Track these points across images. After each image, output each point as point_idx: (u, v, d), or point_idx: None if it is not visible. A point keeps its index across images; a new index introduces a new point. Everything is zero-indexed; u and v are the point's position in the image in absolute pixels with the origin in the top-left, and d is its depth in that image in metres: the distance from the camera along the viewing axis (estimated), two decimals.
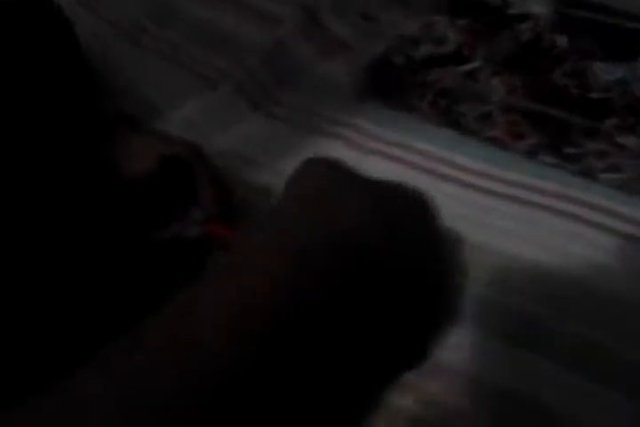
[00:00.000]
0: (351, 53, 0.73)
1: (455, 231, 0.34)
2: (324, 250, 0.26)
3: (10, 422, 0.20)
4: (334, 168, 0.32)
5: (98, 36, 0.73)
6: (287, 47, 0.73)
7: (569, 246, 0.52)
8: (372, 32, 0.76)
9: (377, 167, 0.60)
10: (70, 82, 0.63)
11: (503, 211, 0.54)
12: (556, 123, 0.58)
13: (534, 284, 0.50)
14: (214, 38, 0.77)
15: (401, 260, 0.28)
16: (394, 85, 0.65)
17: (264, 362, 0.23)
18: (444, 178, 0.58)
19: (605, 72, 0.59)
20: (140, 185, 0.50)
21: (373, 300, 0.26)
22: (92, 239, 0.47)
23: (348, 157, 0.59)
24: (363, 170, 0.55)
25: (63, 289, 0.44)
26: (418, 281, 0.28)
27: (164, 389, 0.21)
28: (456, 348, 0.47)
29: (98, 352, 0.23)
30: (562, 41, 0.63)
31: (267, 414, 0.23)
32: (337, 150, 0.62)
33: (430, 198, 0.32)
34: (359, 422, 0.26)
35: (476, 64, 0.64)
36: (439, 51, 0.65)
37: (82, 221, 0.47)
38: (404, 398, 0.46)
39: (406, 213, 0.30)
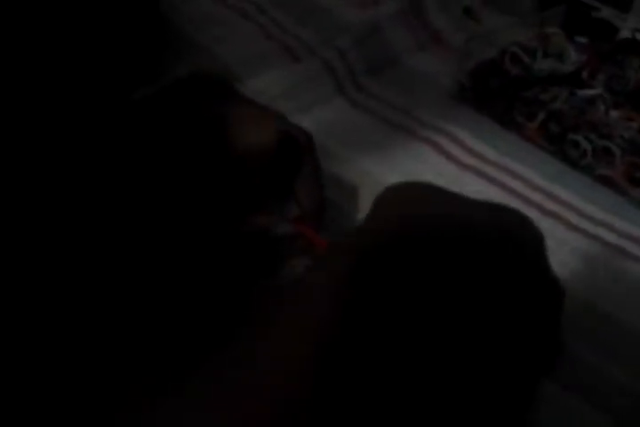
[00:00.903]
0: (453, 52, 0.66)
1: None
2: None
3: None
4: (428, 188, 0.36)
5: None
6: (382, 31, 0.66)
7: None
8: (477, 32, 0.69)
9: (471, 186, 0.54)
10: (141, 31, 0.56)
11: (612, 264, 0.48)
12: None
13: None
14: (305, 9, 0.71)
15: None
16: (500, 97, 0.58)
17: None
18: (545, 212, 0.52)
19: None
20: (255, 164, 0.43)
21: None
22: (189, 222, 0.41)
23: (442, 169, 0.55)
24: (456, 187, 0.49)
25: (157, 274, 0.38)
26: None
27: None
28: None
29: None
30: None
31: None
32: (429, 158, 0.56)
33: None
34: None
35: (596, 91, 0.58)
36: (559, 68, 0.59)
37: (184, 200, 0.41)
38: None
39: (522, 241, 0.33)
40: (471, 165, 0.55)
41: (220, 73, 0.48)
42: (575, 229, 0.50)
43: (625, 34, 0.64)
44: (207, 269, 0.41)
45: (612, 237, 0.49)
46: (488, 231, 0.34)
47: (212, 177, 0.43)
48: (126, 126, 0.43)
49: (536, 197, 0.53)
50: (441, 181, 0.53)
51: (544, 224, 0.50)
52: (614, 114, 0.56)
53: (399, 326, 0.30)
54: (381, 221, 0.35)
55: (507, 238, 0.34)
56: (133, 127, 0.43)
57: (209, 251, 0.42)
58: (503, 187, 0.53)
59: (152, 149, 0.43)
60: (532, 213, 0.50)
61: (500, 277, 0.33)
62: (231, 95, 0.45)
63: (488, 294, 0.32)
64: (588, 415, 0.40)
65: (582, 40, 0.63)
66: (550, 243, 0.50)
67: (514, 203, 0.52)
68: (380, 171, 0.54)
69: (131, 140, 0.42)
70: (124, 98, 0.46)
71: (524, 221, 0.36)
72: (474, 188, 0.53)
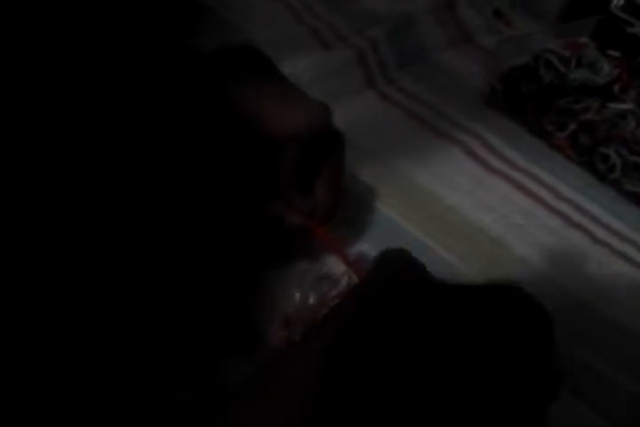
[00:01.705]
0: (484, 52, 0.66)
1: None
2: None
3: None
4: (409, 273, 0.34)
5: None
6: (416, 25, 0.65)
7: None
8: (508, 35, 0.69)
9: (497, 190, 0.53)
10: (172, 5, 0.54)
11: (636, 283, 0.48)
12: None
13: None
14: None
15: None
16: (531, 103, 0.58)
17: None
18: (573, 224, 0.51)
19: None
20: (288, 147, 0.41)
21: None
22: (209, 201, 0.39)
23: (469, 171, 0.55)
24: (483, 190, 0.48)
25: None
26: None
27: None
28: None
29: None
30: None
31: None
32: (456, 159, 0.55)
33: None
34: None
35: (628, 106, 0.57)
36: (593, 79, 0.58)
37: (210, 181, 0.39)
38: None
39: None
40: (499, 170, 0.54)
41: (259, 49, 0.45)
42: (601, 243, 0.50)
43: None
44: (218, 251, 0.39)
45: (638, 256, 0.49)
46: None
47: (240, 157, 0.42)
48: (157, 99, 0.41)
49: (562, 207, 0.52)
50: (467, 183, 0.53)
51: (569, 235, 0.50)
52: None
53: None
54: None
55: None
56: (165, 100, 0.41)
57: (223, 232, 0.40)
58: (529, 194, 0.53)
59: (177, 123, 0.41)
60: (557, 224, 0.50)
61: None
62: (272, 73, 0.43)
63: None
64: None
65: (615, 54, 0.62)
66: (575, 255, 0.50)
67: (539, 211, 0.52)
68: (407, 168, 0.53)
69: (160, 112, 0.41)
70: (155, 72, 0.45)
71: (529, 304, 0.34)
72: (499, 192, 0.53)
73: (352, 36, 0.64)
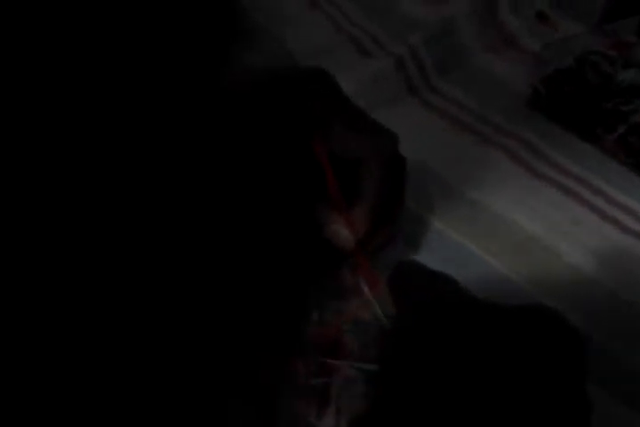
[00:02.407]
0: (526, 56, 0.64)
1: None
2: None
3: None
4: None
5: None
6: (456, 31, 0.64)
7: None
8: (551, 38, 0.67)
9: (547, 196, 0.52)
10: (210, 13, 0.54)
11: None
12: None
13: None
14: (374, 2, 0.68)
15: None
16: (577, 106, 0.56)
17: None
18: (625, 230, 0.49)
19: None
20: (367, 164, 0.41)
21: None
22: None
23: (516, 178, 0.53)
24: (531, 196, 0.47)
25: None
26: None
27: None
28: None
29: None
30: None
31: None
32: (502, 165, 0.54)
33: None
34: None
35: None
36: None
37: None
38: None
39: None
40: (547, 176, 0.53)
41: (320, 68, 0.45)
42: None
43: None
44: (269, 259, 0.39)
45: None
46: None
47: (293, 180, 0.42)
48: (206, 117, 0.41)
49: (614, 212, 0.51)
50: (515, 191, 0.52)
51: (622, 241, 0.48)
52: None
53: None
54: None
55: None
56: (214, 120, 0.41)
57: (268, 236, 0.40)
58: (581, 200, 0.51)
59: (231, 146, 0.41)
60: (611, 232, 0.49)
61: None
62: (336, 97, 0.43)
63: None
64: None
65: None
66: (628, 261, 0.48)
67: (591, 218, 0.50)
68: (451, 176, 0.53)
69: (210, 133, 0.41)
70: (192, 85, 0.44)
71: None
72: (550, 199, 0.51)
73: (391, 42, 0.63)
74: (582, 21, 0.70)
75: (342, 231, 0.41)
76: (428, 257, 0.47)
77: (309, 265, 0.43)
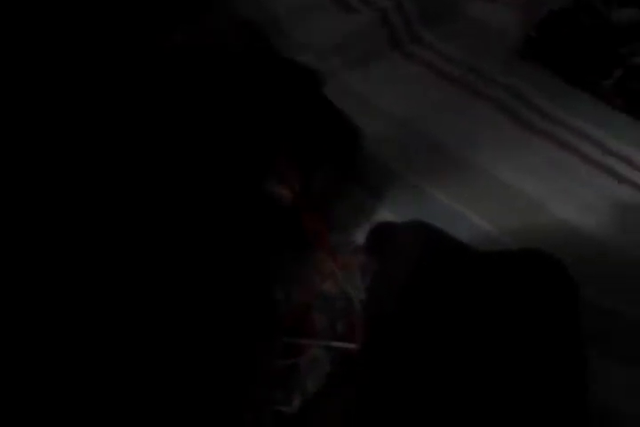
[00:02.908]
0: (520, 4, 0.60)
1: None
2: None
3: None
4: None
5: None
6: None
7: None
8: None
9: (540, 150, 0.49)
10: None
11: None
12: None
13: None
14: None
15: None
16: (571, 51, 0.53)
17: None
18: (622, 180, 0.46)
19: None
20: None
21: None
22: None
23: (506, 132, 0.50)
24: (521, 150, 0.44)
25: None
26: None
27: None
28: None
29: None
30: None
31: None
32: (491, 118, 0.51)
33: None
34: None
35: None
36: None
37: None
38: None
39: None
40: (540, 127, 0.50)
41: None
42: None
43: None
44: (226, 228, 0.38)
45: None
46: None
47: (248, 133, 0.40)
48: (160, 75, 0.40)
49: (610, 161, 0.48)
50: (506, 145, 0.49)
51: (620, 192, 0.45)
52: None
53: None
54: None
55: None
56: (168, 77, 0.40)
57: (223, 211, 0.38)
58: (575, 152, 0.48)
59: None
60: (607, 181, 0.46)
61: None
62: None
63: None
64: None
65: None
66: (628, 211, 0.45)
67: (585, 169, 0.47)
68: (438, 132, 0.50)
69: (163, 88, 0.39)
70: (162, 36, 0.43)
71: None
72: (542, 152, 0.48)
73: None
74: None
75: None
76: (411, 218, 0.45)
77: (269, 244, 0.41)
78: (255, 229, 0.39)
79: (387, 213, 0.45)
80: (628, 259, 0.42)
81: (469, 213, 0.46)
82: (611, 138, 0.49)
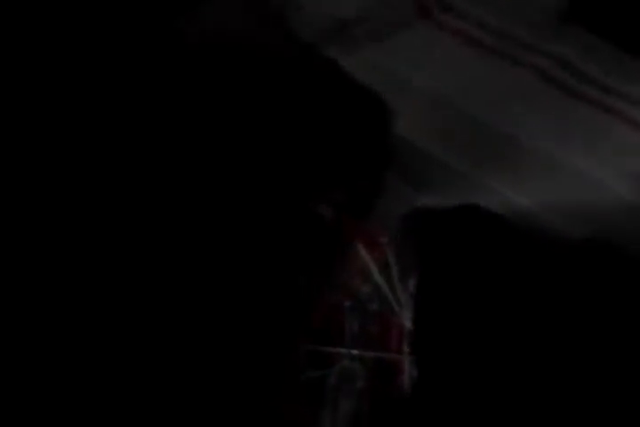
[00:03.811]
0: None
1: None
2: None
3: None
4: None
5: None
6: None
7: None
8: None
9: (585, 117, 0.45)
10: None
11: None
12: None
13: None
14: None
15: None
16: (622, 10, 0.48)
17: None
18: None
19: None
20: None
21: None
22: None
23: (549, 101, 0.46)
24: (566, 118, 0.41)
25: None
26: None
27: None
28: None
29: None
30: None
31: None
32: (532, 87, 0.47)
33: None
34: None
35: None
36: None
37: None
38: None
39: None
40: (586, 95, 0.46)
41: None
42: None
43: None
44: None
45: None
46: None
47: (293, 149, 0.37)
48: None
49: None
50: (549, 115, 0.45)
51: None
52: None
53: None
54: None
55: None
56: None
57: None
58: (625, 120, 0.44)
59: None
60: None
61: None
62: None
63: None
64: None
65: None
66: None
67: (637, 140, 0.43)
68: (474, 107, 0.46)
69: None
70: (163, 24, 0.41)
71: None
72: (589, 121, 0.45)
73: None
74: None
75: None
76: (445, 201, 0.41)
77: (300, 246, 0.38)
78: (293, 247, 0.36)
79: (426, 201, 0.42)
80: None
81: (519, 198, 0.42)
82: None
